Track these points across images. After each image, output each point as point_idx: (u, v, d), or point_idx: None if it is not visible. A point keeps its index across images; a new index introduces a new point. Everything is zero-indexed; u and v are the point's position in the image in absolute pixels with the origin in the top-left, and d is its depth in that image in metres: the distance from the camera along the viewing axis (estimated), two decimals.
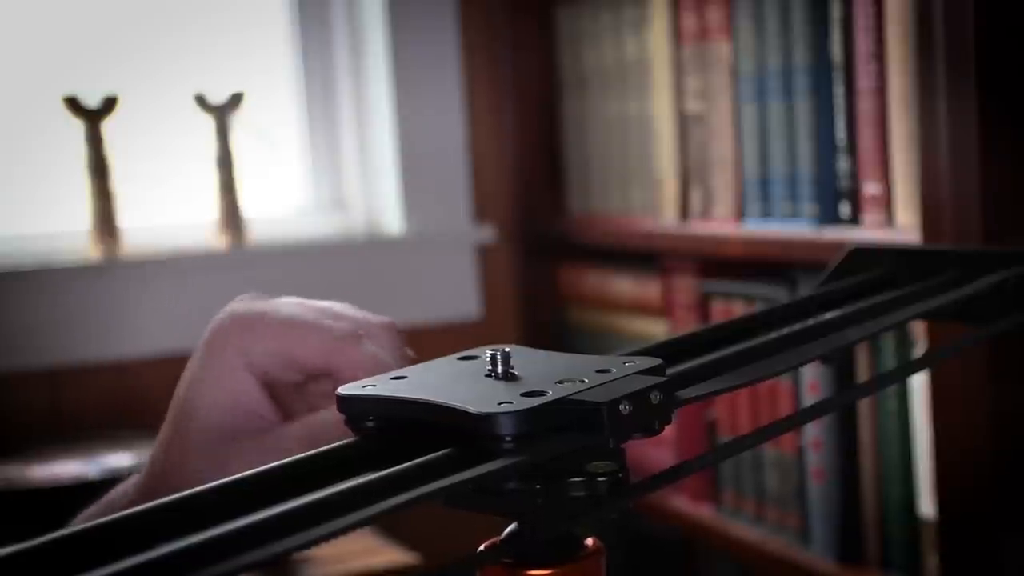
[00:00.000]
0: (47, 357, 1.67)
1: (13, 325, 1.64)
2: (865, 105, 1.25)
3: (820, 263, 0.78)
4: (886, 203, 1.24)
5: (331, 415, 0.54)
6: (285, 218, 1.92)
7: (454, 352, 0.47)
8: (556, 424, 0.40)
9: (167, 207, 1.87)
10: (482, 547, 0.42)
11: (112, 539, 0.35)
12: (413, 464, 0.39)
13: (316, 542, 0.34)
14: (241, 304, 0.58)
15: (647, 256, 1.65)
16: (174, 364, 1.98)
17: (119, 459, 1.51)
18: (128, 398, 1.72)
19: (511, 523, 0.42)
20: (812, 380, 1.35)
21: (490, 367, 0.44)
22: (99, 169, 1.73)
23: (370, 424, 0.43)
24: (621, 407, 0.40)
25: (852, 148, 1.28)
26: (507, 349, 0.45)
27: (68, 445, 1.59)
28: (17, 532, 0.37)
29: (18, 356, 1.66)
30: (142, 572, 0.33)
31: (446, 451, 0.40)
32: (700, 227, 1.52)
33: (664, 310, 1.62)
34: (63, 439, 1.63)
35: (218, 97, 1.80)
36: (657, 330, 1.63)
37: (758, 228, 1.42)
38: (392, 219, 1.89)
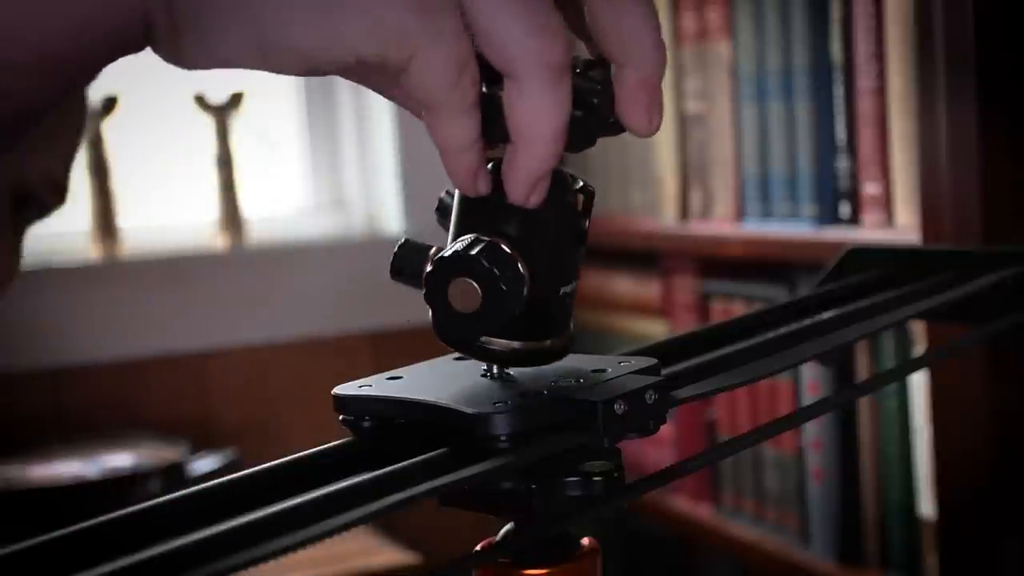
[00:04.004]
0: (48, 357, 1.67)
1: (14, 325, 1.64)
2: (865, 105, 1.25)
3: (820, 263, 0.78)
4: (886, 203, 1.24)
5: None
6: (285, 218, 1.92)
7: (454, 352, 0.47)
8: (551, 424, 0.40)
9: (167, 207, 1.87)
10: (478, 547, 0.42)
11: (111, 538, 0.35)
12: (409, 463, 0.39)
13: (313, 541, 0.34)
14: None
15: (647, 256, 1.65)
16: (174, 364, 1.99)
17: (119, 459, 1.51)
18: (129, 398, 1.72)
19: (507, 522, 0.43)
20: (812, 380, 1.35)
21: (486, 367, 0.44)
22: (99, 169, 1.73)
23: (367, 424, 0.43)
24: (616, 407, 0.40)
25: (852, 148, 1.28)
26: None
27: (68, 445, 1.59)
28: (17, 532, 0.37)
29: (19, 356, 1.66)
30: (140, 570, 0.33)
31: (442, 451, 0.40)
32: (700, 227, 1.52)
33: (664, 310, 1.62)
34: (64, 439, 1.63)
35: (218, 97, 1.80)
36: (657, 330, 1.63)
37: (758, 228, 1.42)
38: (392, 219, 1.89)
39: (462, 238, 0.41)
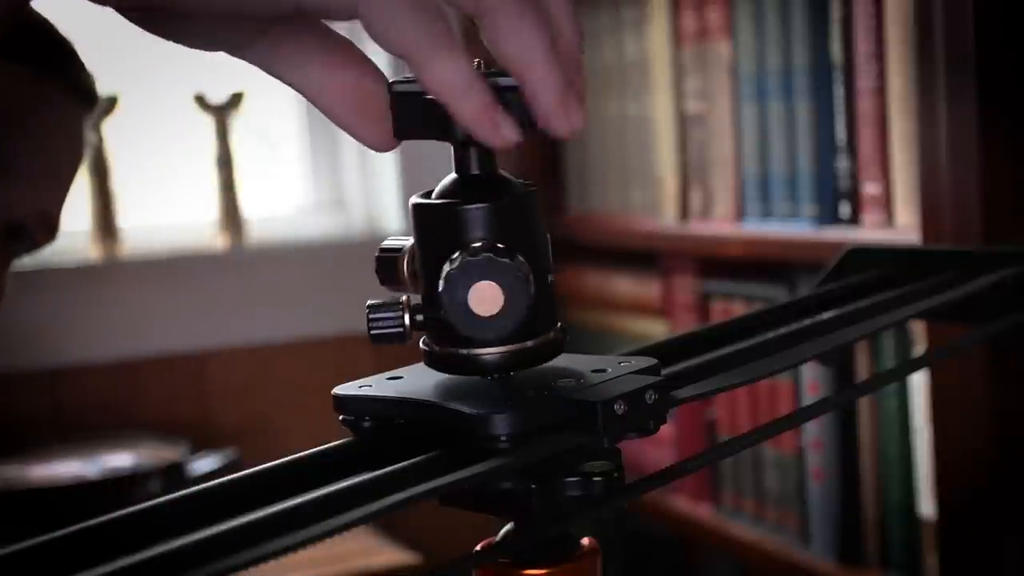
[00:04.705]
0: (47, 357, 1.67)
1: (13, 325, 1.64)
2: (865, 105, 1.25)
3: (820, 263, 0.78)
4: (886, 203, 1.24)
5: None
6: (285, 218, 1.92)
7: None
8: (551, 424, 0.40)
9: (167, 207, 1.87)
10: (478, 547, 0.42)
11: (111, 538, 0.35)
12: (409, 464, 0.39)
13: (313, 541, 0.34)
14: None
15: (647, 256, 1.65)
16: (174, 364, 1.99)
17: (119, 459, 1.51)
18: (128, 398, 1.72)
19: (507, 523, 0.43)
20: (812, 380, 1.35)
21: None
22: (99, 169, 1.73)
23: (367, 424, 0.43)
24: (616, 407, 0.40)
25: (852, 148, 1.28)
26: None
27: (68, 445, 1.59)
28: (17, 532, 0.37)
29: (18, 356, 1.66)
30: (140, 570, 0.33)
31: (441, 451, 0.40)
32: (700, 227, 1.52)
33: (664, 310, 1.62)
34: (63, 439, 1.63)
35: (218, 97, 1.81)
36: (657, 330, 1.63)
37: (758, 228, 1.42)
38: (392, 219, 1.89)
39: (451, 258, 0.41)
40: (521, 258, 0.41)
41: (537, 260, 0.42)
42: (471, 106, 0.39)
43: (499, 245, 0.41)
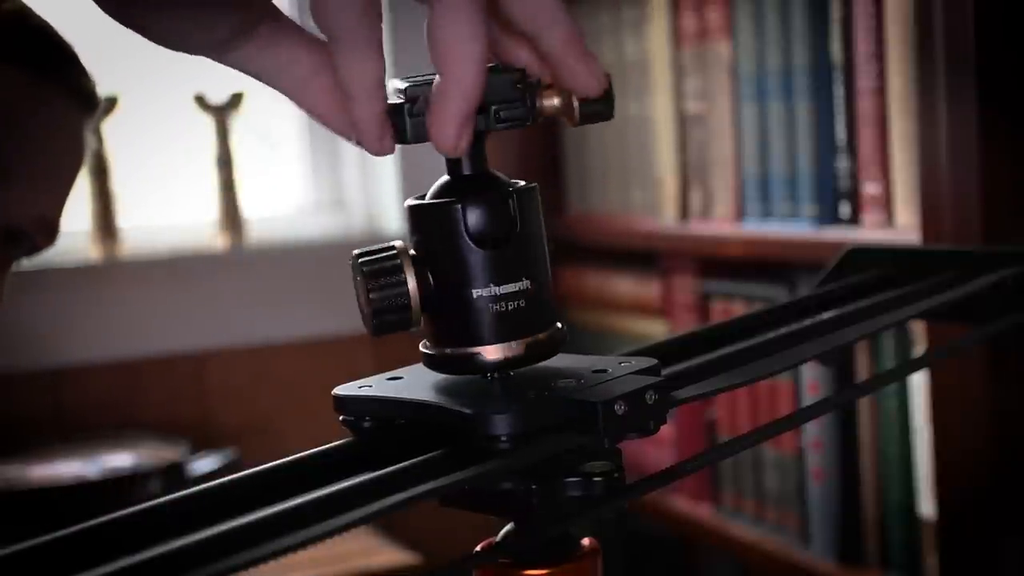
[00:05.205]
0: (48, 357, 1.67)
1: (14, 325, 1.64)
2: (865, 105, 1.25)
3: (820, 263, 0.78)
4: (886, 203, 1.24)
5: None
6: (285, 218, 1.92)
7: None
8: (551, 424, 0.40)
9: (167, 207, 1.87)
10: (478, 547, 0.42)
11: (111, 538, 0.35)
12: (409, 464, 0.39)
13: (313, 541, 0.34)
14: None
15: (647, 256, 1.65)
16: (174, 364, 1.98)
17: (119, 459, 1.51)
18: (128, 398, 1.72)
19: (507, 523, 0.43)
20: (812, 380, 1.35)
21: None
22: (99, 169, 1.73)
23: (367, 424, 0.43)
24: (616, 407, 0.40)
25: (852, 148, 1.28)
26: None
27: (69, 445, 1.59)
28: (17, 532, 0.37)
29: (19, 356, 1.66)
30: (140, 570, 0.33)
31: (442, 451, 0.40)
32: (700, 227, 1.52)
33: (664, 310, 1.62)
34: (64, 439, 1.63)
35: (218, 97, 1.81)
36: (657, 330, 1.63)
37: (758, 228, 1.42)
38: (392, 219, 1.89)
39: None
40: (407, 263, 0.42)
41: (450, 269, 0.42)
42: (370, 111, 0.40)
43: (392, 253, 0.42)
